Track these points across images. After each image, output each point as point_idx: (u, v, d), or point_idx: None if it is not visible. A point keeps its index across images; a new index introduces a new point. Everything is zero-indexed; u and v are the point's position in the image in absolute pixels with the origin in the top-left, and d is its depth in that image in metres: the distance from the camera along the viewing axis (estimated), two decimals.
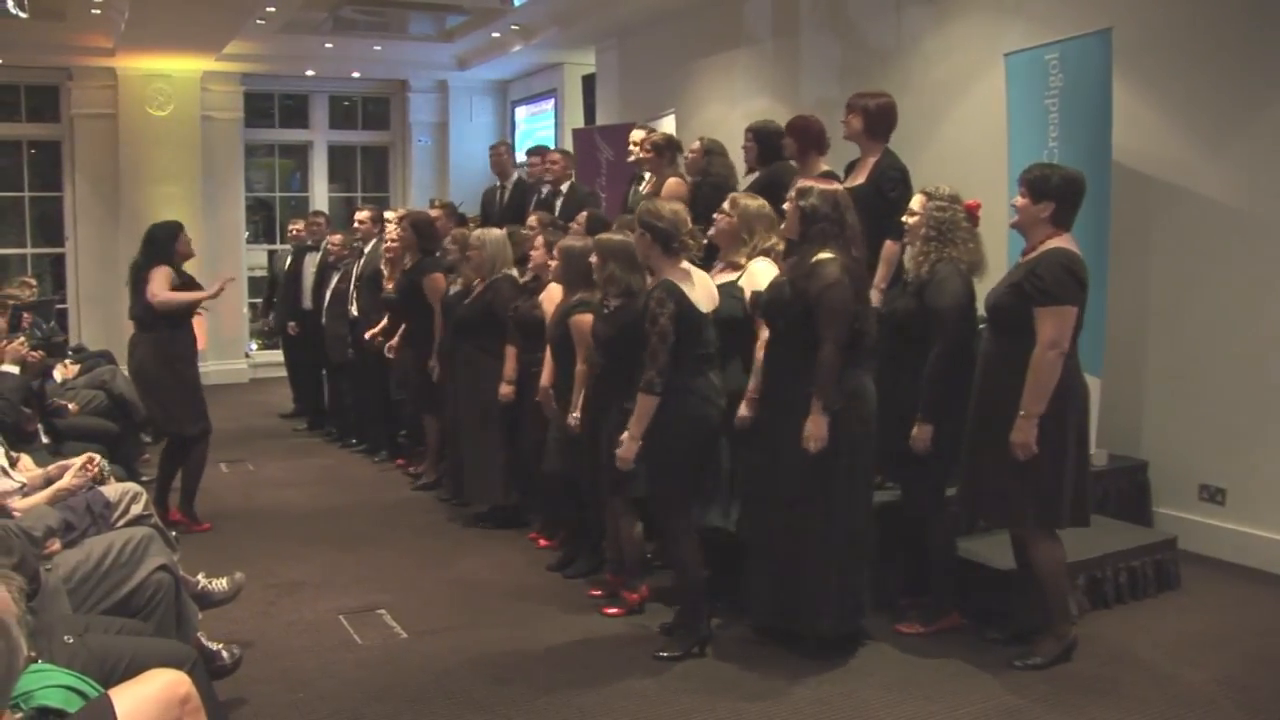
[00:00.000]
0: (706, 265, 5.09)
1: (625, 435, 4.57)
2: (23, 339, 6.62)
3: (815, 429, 4.38)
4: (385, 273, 8.30)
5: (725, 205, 5.25)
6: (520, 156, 10.56)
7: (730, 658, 4.67)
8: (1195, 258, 6.15)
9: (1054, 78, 6.28)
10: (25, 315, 7.98)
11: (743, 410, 4.82)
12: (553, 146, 11.03)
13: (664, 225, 4.61)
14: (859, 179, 5.68)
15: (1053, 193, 4.40)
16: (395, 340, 8.01)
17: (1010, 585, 4.89)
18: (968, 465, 4.61)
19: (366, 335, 8.33)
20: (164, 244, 6.60)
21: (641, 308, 4.71)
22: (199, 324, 6.84)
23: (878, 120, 5.71)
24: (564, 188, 8.41)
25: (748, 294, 4.95)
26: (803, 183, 4.77)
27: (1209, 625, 5.03)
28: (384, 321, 8.23)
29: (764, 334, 4.82)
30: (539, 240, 6.42)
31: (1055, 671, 4.44)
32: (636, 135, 7.78)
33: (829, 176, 5.78)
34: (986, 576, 5.07)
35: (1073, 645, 4.55)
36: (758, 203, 5.24)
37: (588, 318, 5.35)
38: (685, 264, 4.70)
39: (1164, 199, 6.27)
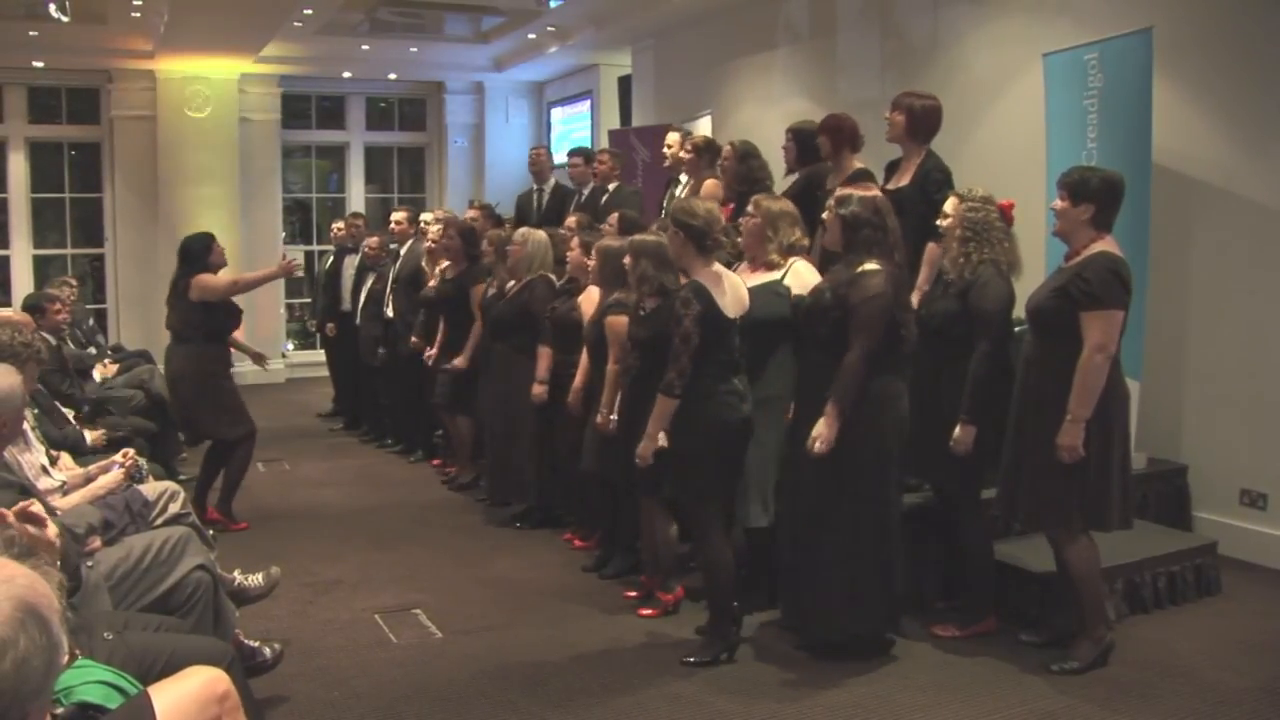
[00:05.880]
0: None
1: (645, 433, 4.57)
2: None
3: (826, 431, 4.36)
4: (427, 270, 8.31)
5: (749, 208, 5.27)
6: (560, 158, 10.42)
7: (766, 660, 4.66)
8: (1237, 261, 6.08)
9: (1093, 78, 6.23)
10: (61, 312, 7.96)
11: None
12: (589, 148, 10.97)
13: (698, 223, 4.59)
14: (903, 180, 5.65)
15: (1092, 195, 4.37)
16: (435, 351, 7.94)
17: (1046, 588, 4.87)
18: (1009, 468, 4.58)
19: (412, 340, 8.32)
20: (198, 255, 6.70)
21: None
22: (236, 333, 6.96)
23: (922, 121, 5.66)
24: (611, 187, 8.37)
25: (794, 293, 4.91)
26: (840, 191, 4.76)
27: (1250, 631, 4.97)
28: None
29: None
30: (575, 242, 6.41)
31: (1092, 676, 4.40)
32: (672, 138, 7.75)
33: (863, 174, 5.79)
34: (1022, 579, 5.04)
35: (1109, 649, 4.51)
36: (780, 203, 5.26)
37: (622, 318, 5.34)
38: (717, 266, 4.68)
39: (1205, 201, 6.20)
